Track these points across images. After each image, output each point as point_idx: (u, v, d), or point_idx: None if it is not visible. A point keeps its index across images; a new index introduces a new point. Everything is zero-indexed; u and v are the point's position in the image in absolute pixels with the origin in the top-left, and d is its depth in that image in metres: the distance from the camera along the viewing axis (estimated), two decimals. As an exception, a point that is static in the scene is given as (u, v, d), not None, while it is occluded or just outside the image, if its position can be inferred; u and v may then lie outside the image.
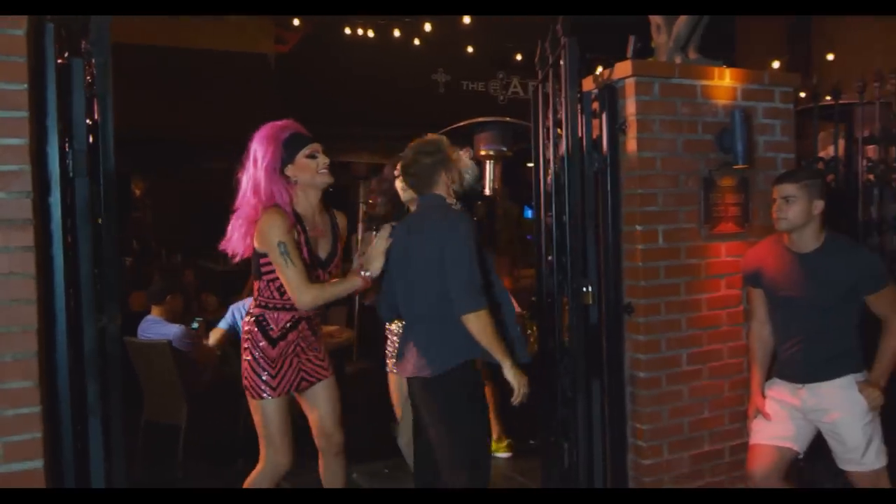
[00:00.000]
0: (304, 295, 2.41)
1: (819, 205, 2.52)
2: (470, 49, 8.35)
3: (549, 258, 2.95)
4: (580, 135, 2.67)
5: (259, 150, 2.48)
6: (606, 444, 2.77)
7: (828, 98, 3.27)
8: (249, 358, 2.55)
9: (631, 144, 2.62)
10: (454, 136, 4.78)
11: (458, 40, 8.51)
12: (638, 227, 2.68)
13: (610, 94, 2.64)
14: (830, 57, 6.62)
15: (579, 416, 2.72)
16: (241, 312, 4.24)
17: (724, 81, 2.73)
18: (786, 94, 2.87)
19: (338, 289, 2.50)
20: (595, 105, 2.71)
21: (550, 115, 2.85)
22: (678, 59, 2.73)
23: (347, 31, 7.91)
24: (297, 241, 2.47)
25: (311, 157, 2.53)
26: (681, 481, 2.81)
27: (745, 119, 2.71)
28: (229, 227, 2.54)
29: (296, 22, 8.08)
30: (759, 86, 2.81)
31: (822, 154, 3.41)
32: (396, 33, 8.68)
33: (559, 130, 2.77)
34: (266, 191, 2.46)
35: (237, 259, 2.57)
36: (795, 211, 2.51)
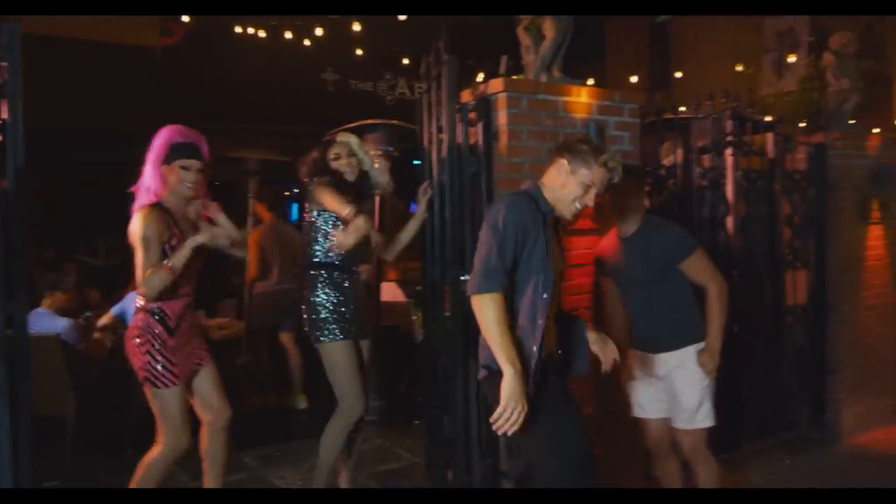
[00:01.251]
0: (146, 283, 2.62)
1: (647, 199, 2.98)
2: (359, 51, 8.55)
3: (433, 250, 3.29)
4: (459, 141, 3.02)
5: (154, 143, 2.76)
6: (481, 414, 3.13)
7: (671, 114, 3.83)
8: (148, 349, 2.70)
9: (503, 151, 2.99)
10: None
11: (347, 42, 8.69)
12: (509, 223, 3.05)
13: (485, 106, 3.01)
14: (679, 74, 7.43)
15: (458, 391, 3.07)
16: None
17: (582, 98, 3.16)
18: (633, 109, 3.35)
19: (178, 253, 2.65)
20: (472, 115, 3.07)
21: (434, 122, 3.18)
22: (543, 78, 3.13)
23: (238, 29, 7.84)
24: (168, 235, 2.70)
25: (185, 168, 2.75)
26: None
27: (599, 131, 3.17)
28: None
29: (185, 18, 7.96)
30: (611, 103, 3.27)
31: (664, 161, 3.96)
32: (288, 35, 8.73)
33: (442, 136, 3.12)
34: (146, 181, 2.75)
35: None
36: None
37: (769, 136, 4.29)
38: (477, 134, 3.03)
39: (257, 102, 9.14)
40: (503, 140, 2.98)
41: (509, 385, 2.04)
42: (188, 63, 8.92)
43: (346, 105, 9.13)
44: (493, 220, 2.19)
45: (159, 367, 2.70)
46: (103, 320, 4.37)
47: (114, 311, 4.36)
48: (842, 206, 4.53)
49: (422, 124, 3.33)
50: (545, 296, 2.20)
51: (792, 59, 7.23)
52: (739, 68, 6.25)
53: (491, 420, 2.06)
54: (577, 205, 2.31)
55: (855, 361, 4.60)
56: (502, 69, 3.10)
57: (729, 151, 4.01)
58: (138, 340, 2.71)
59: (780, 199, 4.32)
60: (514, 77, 3.02)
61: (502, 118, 2.97)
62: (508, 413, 2.03)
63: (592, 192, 2.31)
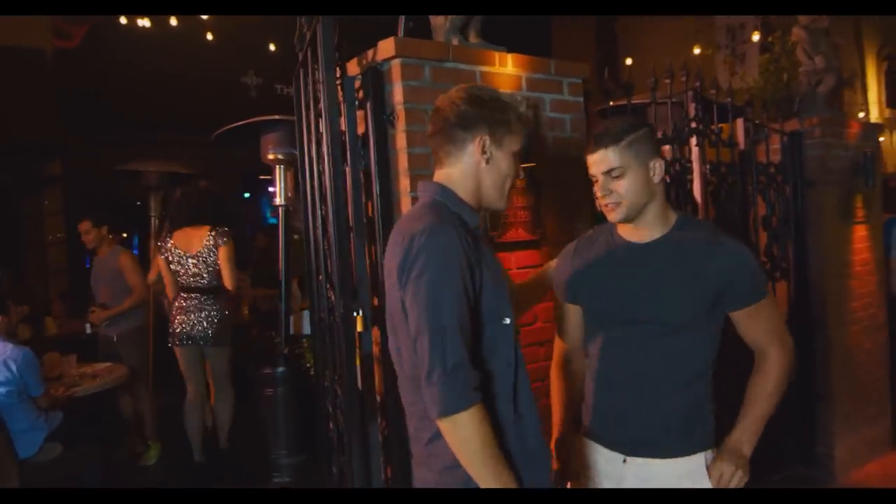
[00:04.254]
0: None
1: (658, 166, 1.72)
2: (272, 46, 7.69)
3: (320, 277, 2.48)
4: (342, 128, 2.22)
5: None
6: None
7: (620, 99, 3.10)
8: None
9: (400, 139, 2.19)
10: (236, 139, 4.19)
11: (263, 38, 7.86)
12: (415, 237, 2.26)
13: (374, 79, 2.20)
14: (629, 61, 6.77)
15: (355, 467, 2.25)
16: None
17: (507, 68, 2.39)
18: (575, 85, 2.60)
19: None
20: (361, 93, 2.27)
21: (312, 106, 2.37)
22: (455, 41, 2.35)
23: (143, 23, 6.97)
24: None
25: None
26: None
27: (532, 111, 2.41)
28: None
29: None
30: (546, 75, 2.50)
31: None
32: (205, 35, 7.96)
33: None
34: None
35: None
36: (629, 186, 1.69)
37: (738, 123, 3.60)
38: (366, 118, 2.23)
39: (168, 109, 8.25)
40: (400, 124, 2.18)
41: None
42: (89, 68, 8.02)
43: (271, 111, 8.29)
44: (423, 283, 1.43)
45: None
46: None
47: None
48: (823, 204, 3.88)
49: (299, 111, 2.52)
50: (510, 357, 1.55)
51: (756, 36, 6.60)
52: (697, 51, 5.57)
53: None
54: (511, 184, 1.66)
55: (846, 384, 3.94)
56: (400, 31, 2.31)
57: (693, 141, 3.32)
58: None
59: (754, 197, 3.63)
60: (412, 39, 2.22)
61: (398, 94, 2.17)
62: None
63: (519, 161, 1.66)
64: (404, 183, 2.19)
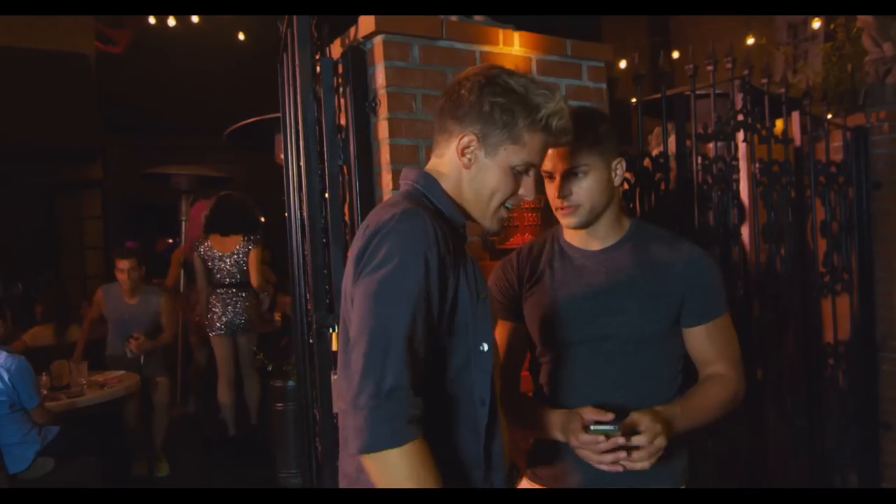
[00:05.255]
0: None
1: (620, 167, 1.54)
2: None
3: (301, 292, 2.21)
4: (320, 117, 1.94)
5: None
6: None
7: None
8: None
9: (382, 128, 1.91)
10: (248, 138, 3.99)
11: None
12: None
13: (355, 60, 1.92)
14: (676, 54, 6.31)
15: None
16: None
17: (513, 49, 2.08)
18: (596, 69, 2.26)
19: None
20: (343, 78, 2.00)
21: (292, 95, 2.11)
22: (454, 18, 2.06)
23: (153, 20, 6.97)
24: None
25: None
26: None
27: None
28: None
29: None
30: (561, 57, 2.18)
31: (653, 152, 2.87)
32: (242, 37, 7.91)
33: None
34: None
35: None
36: (591, 186, 1.48)
37: (794, 117, 3.19)
38: (346, 104, 1.95)
39: (212, 114, 8.20)
40: (383, 111, 1.89)
41: None
42: (128, 73, 8.06)
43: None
44: (377, 278, 1.14)
45: None
46: None
47: None
48: (891, 209, 3.43)
49: (283, 99, 2.26)
50: (485, 393, 1.24)
51: (817, 23, 6.07)
52: (751, 40, 5.08)
53: None
54: (504, 203, 1.31)
55: (917, 413, 3.47)
56: (391, 9, 2.03)
57: (741, 136, 2.93)
58: None
59: (812, 201, 3.21)
60: (397, 15, 1.93)
61: (380, 76, 1.89)
62: None
63: (530, 179, 1.31)
64: (386, 179, 1.90)
